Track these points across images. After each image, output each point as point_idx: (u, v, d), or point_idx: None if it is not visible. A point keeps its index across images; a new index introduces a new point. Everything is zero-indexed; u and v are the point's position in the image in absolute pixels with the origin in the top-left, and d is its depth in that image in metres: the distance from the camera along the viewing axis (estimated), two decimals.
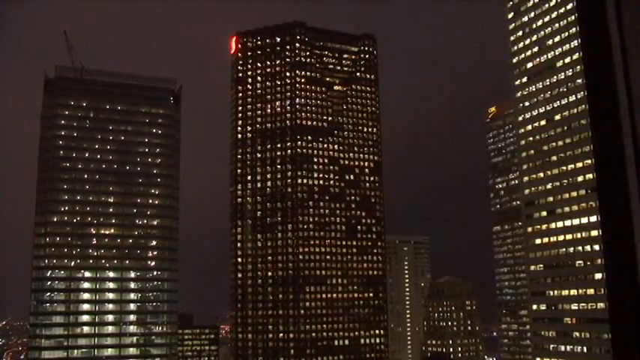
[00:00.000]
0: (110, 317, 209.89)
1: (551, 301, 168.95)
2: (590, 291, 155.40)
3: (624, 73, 6.75)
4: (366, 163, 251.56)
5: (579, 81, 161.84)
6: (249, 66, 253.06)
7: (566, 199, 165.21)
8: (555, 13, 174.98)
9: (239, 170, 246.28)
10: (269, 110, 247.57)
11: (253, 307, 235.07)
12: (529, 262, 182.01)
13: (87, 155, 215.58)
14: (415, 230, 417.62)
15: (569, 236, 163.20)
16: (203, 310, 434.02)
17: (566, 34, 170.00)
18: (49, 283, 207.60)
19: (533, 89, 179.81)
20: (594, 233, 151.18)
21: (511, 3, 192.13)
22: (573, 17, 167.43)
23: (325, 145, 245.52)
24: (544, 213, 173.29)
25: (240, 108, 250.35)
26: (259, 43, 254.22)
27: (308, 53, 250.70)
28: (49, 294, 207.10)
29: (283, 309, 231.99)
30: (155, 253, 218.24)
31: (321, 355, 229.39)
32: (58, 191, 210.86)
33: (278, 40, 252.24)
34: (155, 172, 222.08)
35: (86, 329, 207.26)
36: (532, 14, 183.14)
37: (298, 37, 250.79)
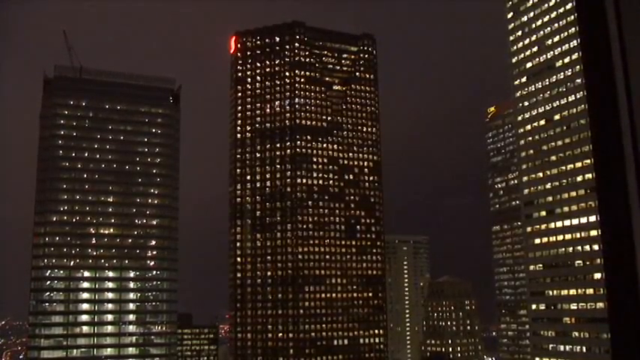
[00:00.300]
0: (109, 317, 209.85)
1: (551, 301, 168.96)
2: (590, 291, 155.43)
3: (624, 72, 6.75)
4: (366, 163, 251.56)
5: (578, 81, 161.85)
6: (249, 66, 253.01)
7: (566, 198, 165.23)
8: (555, 12, 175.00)
9: (238, 170, 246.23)
10: (268, 110, 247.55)
11: (253, 306, 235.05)
12: (528, 262, 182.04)
13: (86, 155, 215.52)
14: (414, 230, 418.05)
15: (568, 236, 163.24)
16: (202, 309, 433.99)
17: (566, 33, 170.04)
18: (48, 282, 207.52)
19: (533, 89, 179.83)
20: (594, 233, 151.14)
21: (510, 3, 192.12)
22: (573, 17, 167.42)
23: (325, 145, 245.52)
24: (543, 213, 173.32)
25: (239, 108, 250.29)
26: (259, 42, 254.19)
27: (307, 53, 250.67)
28: (48, 293, 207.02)
29: (283, 309, 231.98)
30: (154, 252, 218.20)
31: (321, 355, 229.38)
32: (58, 191, 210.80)
33: (277, 39, 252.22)
34: (154, 171, 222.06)
35: (85, 329, 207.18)
36: (531, 14, 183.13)
37: (298, 37, 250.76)
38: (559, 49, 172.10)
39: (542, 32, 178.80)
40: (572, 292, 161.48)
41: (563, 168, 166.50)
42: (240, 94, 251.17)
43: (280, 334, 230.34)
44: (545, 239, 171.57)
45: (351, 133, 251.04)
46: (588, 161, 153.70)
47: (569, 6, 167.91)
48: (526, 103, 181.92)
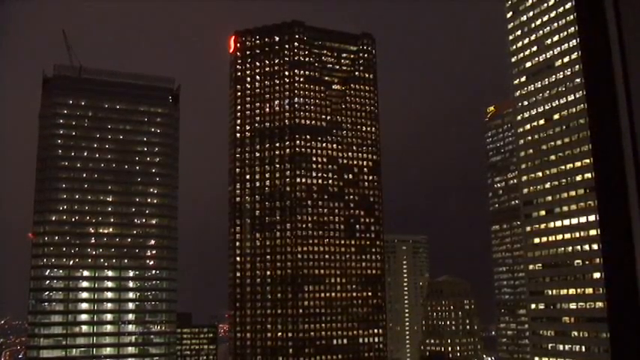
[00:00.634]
0: (109, 316, 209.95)
1: (550, 301, 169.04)
2: (589, 290, 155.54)
3: (623, 72, 6.75)
4: (365, 163, 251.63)
5: (578, 80, 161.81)
6: (248, 65, 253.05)
7: (565, 198, 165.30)
8: (554, 12, 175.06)
9: (238, 169, 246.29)
10: (268, 109, 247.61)
11: (252, 306, 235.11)
12: (528, 262, 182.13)
13: (85, 154, 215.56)
14: (414, 229, 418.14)
15: (567, 235, 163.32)
16: (202, 309, 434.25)
17: (565, 33, 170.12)
18: (47, 282, 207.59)
19: (532, 88, 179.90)
20: (593, 232, 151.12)
21: (510, 2, 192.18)
22: (572, 16, 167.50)
23: (324, 145, 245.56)
24: (543, 212, 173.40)
25: (239, 107, 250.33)
26: (258, 42, 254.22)
27: (307, 52, 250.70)
28: (47, 293, 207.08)
29: (282, 308, 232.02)
30: (154, 252, 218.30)
31: (320, 355, 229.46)
32: (57, 190, 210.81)
33: (277, 39, 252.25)
34: (154, 171, 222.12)
35: (85, 328, 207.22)
36: (531, 13, 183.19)
37: (297, 37, 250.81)
38: (558, 48, 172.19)
39: (541, 32, 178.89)
40: (572, 291, 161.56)
41: (563, 167, 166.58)
42: (239, 94, 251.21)
43: (279, 334, 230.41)
44: (544, 239, 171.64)
45: (350, 133, 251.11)
46: (587, 161, 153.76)
47: (568, 5, 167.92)
48: (525, 103, 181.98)
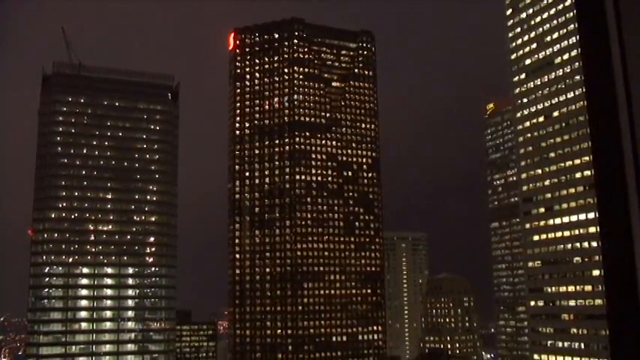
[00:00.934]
0: (108, 313, 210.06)
1: (549, 298, 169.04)
2: (588, 287, 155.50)
3: (623, 69, 6.74)
4: (364, 160, 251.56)
5: (578, 78, 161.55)
6: (248, 62, 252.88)
7: (565, 195, 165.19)
8: (554, 9, 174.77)
9: (237, 166, 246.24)
10: (267, 106, 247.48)
11: (251, 303, 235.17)
12: (527, 259, 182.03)
13: (85, 151, 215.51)
14: (413, 227, 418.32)
15: (567, 233, 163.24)
16: (201, 306, 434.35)
17: (565, 30, 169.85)
18: (46, 279, 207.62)
19: (532, 86, 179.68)
20: (592, 230, 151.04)
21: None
22: (572, 14, 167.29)
23: (323, 142, 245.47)
24: (542, 209, 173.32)
25: (238, 104, 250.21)
26: (257, 39, 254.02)
27: (306, 50, 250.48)
28: (47, 290, 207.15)
29: (281, 305, 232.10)
30: (153, 249, 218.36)
31: (319, 351, 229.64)
32: (56, 187, 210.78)
33: (276, 36, 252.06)
34: (153, 168, 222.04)
35: (84, 325, 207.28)
36: (531, 11, 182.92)
37: (296, 34, 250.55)
38: (558, 45, 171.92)
39: (541, 29, 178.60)
40: (571, 288, 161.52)
41: (562, 165, 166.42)
42: (239, 91, 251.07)
43: (279, 331, 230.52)
44: (543, 236, 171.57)
45: (349, 130, 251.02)
46: (587, 158, 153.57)
47: (568, 2, 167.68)
48: (525, 100, 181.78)
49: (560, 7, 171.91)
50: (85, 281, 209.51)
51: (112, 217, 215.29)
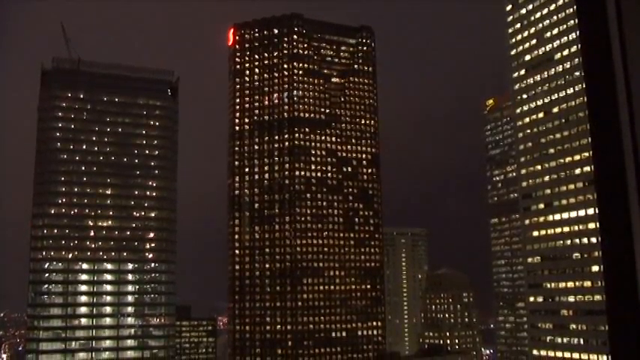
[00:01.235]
0: (108, 309, 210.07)
1: (548, 294, 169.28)
2: (587, 283, 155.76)
3: (623, 65, 6.74)
4: (364, 155, 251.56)
5: (577, 73, 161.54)
6: (247, 58, 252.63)
7: (564, 191, 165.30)
8: (554, 5, 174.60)
9: (237, 162, 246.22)
10: (267, 102, 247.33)
11: (251, 298, 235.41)
12: (526, 255, 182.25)
13: (84, 147, 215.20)
14: (413, 222, 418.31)
15: (566, 228, 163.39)
16: (201, 301, 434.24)
17: (565, 26, 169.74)
18: (46, 274, 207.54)
19: (531, 81, 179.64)
20: (591, 226, 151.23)
21: None
22: (572, 9, 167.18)
23: (323, 137, 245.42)
24: (541, 205, 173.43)
25: (237, 100, 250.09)
26: (257, 34, 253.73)
27: (306, 45, 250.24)
28: (46, 286, 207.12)
29: (281, 301, 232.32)
30: (153, 245, 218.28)
31: (319, 347, 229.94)
32: (56, 183, 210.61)
33: (276, 31, 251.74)
34: (153, 164, 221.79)
35: (84, 321, 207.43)
36: (530, 6, 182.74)
37: (296, 29, 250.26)
38: (558, 41, 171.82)
39: (541, 24, 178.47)
40: (570, 284, 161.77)
41: (562, 161, 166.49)
42: (238, 87, 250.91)
43: (278, 326, 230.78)
44: (543, 232, 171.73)
45: (349, 126, 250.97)
46: (586, 154, 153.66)
47: None
48: (525, 96, 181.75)
49: (560, 2, 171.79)
50: (84, 277, 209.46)
51: (111, 213, 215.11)
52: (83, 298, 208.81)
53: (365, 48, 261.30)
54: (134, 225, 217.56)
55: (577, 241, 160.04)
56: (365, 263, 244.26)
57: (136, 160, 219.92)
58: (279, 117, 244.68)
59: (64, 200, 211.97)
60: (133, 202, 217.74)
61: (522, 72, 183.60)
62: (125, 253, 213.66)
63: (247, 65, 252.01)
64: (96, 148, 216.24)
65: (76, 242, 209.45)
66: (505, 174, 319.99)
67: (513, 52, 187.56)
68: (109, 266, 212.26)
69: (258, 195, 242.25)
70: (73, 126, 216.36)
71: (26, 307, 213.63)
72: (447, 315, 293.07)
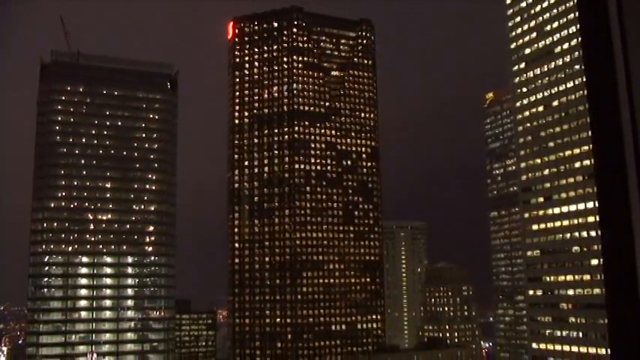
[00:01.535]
0: (108, 302, 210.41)
1: (548, 287, 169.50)
2: (587, 277, 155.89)
3: (624, 59, 6.73)
4: (364, 149, 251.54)
5: (577, 67, 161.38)
6: (247, 51, 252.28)
7: (564, 185, 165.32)
8: None
9: (236, 156, 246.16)
10: (266, 95, 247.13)
11: (251, 292, 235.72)
12: (526, 248, 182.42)
13: (84, 140, 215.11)
14: (412, 216, 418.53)
15: (565, 222, 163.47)
16: (200, 295, 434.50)
17: (565, 19, 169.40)
18: (46, 268, 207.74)
19: (531, 75, 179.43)
20: (591, 219, 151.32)
21: None
22: (572, 2, 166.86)
23: (322, 131, 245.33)
24: (541, 199, 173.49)
25: (237, 93, 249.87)
26: (256, 28, 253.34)
27: (305, 38, 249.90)
28: (46, 279, 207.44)
29: (280, 294, 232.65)
30: (152, 238, 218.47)
31: (318, 340, 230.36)
32: (55, 177, 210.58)
33: (275, 25, 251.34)
34: (152, 157, 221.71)
35: (84, 314, 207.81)
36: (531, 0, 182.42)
37: (295, 23, 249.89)
38: (558, 34, 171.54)
39: (541, 18, 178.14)
40: (569, 278, 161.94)
41: (562, 154, 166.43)
42: (238, 80, 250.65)
43: (278, 319, 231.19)
44: (542, 225, 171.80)
45: (349, 119, 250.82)
46: (586, 147, 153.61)
47: None
48: (524, 89, 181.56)
49: None
50: (84, 270, 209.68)
51: (111, 206, 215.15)
52: (83, 292, 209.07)
53: (365, 41, 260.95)
54: (134, 218, 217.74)
55: (576, 234, 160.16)
56: (364, 256, 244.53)
57: (136, 154, 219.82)
58: (279, 110, 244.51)
59: (63, 194, 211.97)
60: (132, 196, 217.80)
61: (522, 65, 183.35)
62: (125, 247, 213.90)
63: (247, 58, 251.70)
64: (95, 142, 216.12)
65: (76, 235, 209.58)
66: (505, 167, 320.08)
67: (513, 45, 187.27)
68: (108, 259, 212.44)
69: (258, 188, 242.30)
70: (72, 119, 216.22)
71: (26, 300, 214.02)
72: (446, 308, 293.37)
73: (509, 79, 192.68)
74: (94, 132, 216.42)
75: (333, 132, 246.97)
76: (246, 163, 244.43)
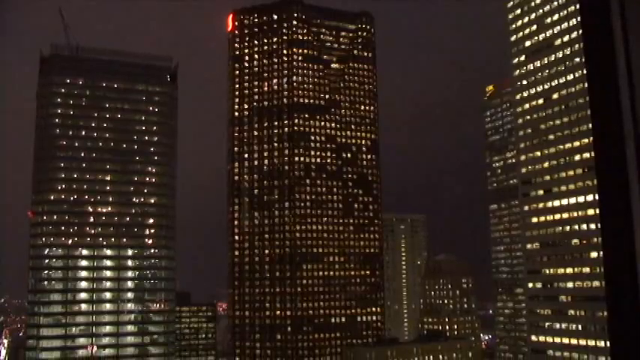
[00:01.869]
0: (108, 295, 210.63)
1: (547, 280, 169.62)
2: (586, 269, 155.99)
3: (624, 51, 6.72)
4: (363, 141, 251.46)
5: (577, 59, 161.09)
6: (247, 44, 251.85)
7: (563, 177, 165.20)
8: None
9: (236, 148, 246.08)
10: (266, 88, 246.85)
11: (251, 284, 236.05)
12: (525, 241, 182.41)
13: (83, 133, 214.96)
14: (412, 208, 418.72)
15: (565, 215, 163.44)
16: (201, 287, 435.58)
17: (565, 12, 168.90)
18: (46, 261, 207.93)
19: (531, 67, 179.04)
20: (591, 212, 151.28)
21: None
22: None
23: (322, 123, 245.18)
24: (541, 191, 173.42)
25: (237, 86, 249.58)
26: (256, 20, 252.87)
27: (305, 31, 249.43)
28: (46, 272, 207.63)
29: (280, 286, 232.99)
30: (152, 231, 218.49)
31: (318, 332, 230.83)
32: (55, 169, 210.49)
33: (275, 17, 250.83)
34: (152, 150, 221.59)
35: (84, 307, 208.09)
36: None
37: (295, 15, 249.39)
38: (558, 27, 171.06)
39: (541, 10, 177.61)
40: (569, 270, 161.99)
41: (561, 147, 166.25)
42: (237, 72, 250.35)
43: (278, 312, 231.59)
44: (542, 218, 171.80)
45: (348, 112, 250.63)
46: (586, 140, 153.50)
47: None
48: (524, 82, 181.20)
49: None
50: (84, 263, 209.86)
51: (111, 199, 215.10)
52: (83, 284, 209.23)
53: (364, 34, 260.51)
54: (134, 211, 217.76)
55: (576, 227, 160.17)
56: (364, 249, 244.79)
57: (136, 146, 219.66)
58: (279, 103, 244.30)
59: (63, 186, 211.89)
60: (132, 188, 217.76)
61: (522, 58, 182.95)
62: (125, 239, 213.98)
63: (247, 51, 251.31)
64: (95, 134, 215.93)
65: (76, 228, 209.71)
66: (504, 160, 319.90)
67: (513, 38, 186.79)
68: (108, 252, 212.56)
69: (258, 181, 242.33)
70: (72, 112, 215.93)
71: (26, 293, 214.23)
72: (446, 301, 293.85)
73: (509, 71, 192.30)
74: (93, 125, 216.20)
75: (333, 124, 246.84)
76: (246, 155, 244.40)
